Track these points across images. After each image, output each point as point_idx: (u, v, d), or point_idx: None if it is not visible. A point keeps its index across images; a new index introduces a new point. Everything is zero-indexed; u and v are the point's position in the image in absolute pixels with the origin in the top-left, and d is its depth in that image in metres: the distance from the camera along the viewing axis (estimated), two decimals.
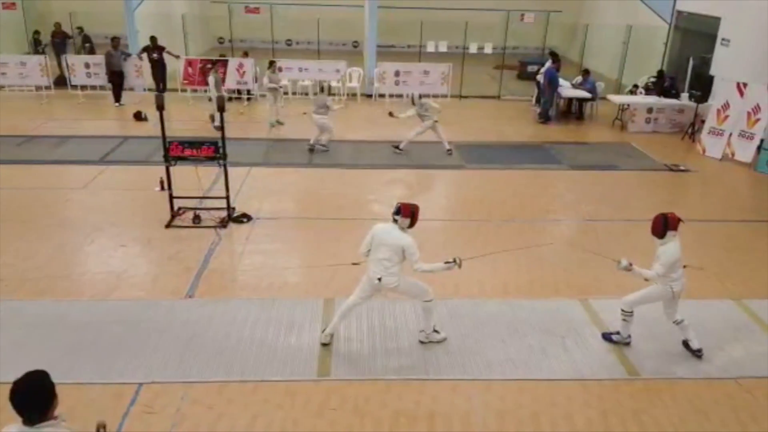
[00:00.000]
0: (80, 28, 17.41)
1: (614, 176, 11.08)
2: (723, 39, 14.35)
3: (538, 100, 15.46)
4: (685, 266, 5.82)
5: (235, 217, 8.68)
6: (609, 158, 12.05)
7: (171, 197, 8.64)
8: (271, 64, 13.78)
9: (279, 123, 13.73)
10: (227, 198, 8.65)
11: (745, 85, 11.99)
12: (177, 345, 5.90)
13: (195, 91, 15.80)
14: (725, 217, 9.39)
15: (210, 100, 13.69)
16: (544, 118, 14.55)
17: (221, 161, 8.40)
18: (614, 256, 5.91)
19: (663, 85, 14.73)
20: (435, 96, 16.10)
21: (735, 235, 8.74)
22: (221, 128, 8.39)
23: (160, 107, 8.26)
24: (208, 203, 8.85)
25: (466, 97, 17.09)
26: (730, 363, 5.89)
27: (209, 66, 15.02)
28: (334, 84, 16.43)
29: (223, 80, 15.37)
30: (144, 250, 7.89)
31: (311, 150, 11.96)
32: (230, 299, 6.75)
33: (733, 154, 12.07)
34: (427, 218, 9.06)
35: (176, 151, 8.35)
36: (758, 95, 11.71)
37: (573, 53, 23.56)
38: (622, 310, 5.95)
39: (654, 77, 15.38)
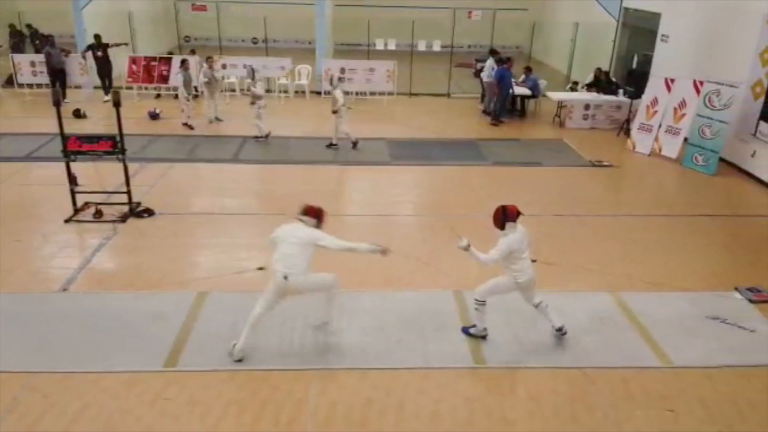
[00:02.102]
0: (29, 26, 17.42)
1: (535, 172, 11.11)
2: (662, 35, 14.41)
3: (483, 98, 15.50)
4: (534, 260, 5.87)
5: (136, 212, 8.72)
6: (536, 155, 12.08)
7: (72, 192, 8.69)
8: (207, 59, 13.80)
9: (218, 120, 13.75)
10: (128, 193, 8.70)
11: (672, 80, 12.02)
12: (36, 337, 5.93)
13: (141, 88, 15.83)
14: (631, 212, 9.40)
15: (176, 98, 14.27)
16: (496, 119, 14.27)
17: (120, 156, 8.45)
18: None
19: (604, 81, 14.77)
20: (381, 93, 16.24)
21: (634, 229, 8.75)
22: (118, 122, 8.41)
23: (57, 103, 8.33)
24: (117, 198, 8.87)
25: (416, 94, 17.14)
26: (582, 353, 5.92)
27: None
28: (283, 81, 16.48)
29: (167, 78, 15.47)
30: (37, 244, 7.91)
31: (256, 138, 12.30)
32: (104, 292, 6.78)
33: (660, 150, 12.10)
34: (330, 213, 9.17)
35: (74, 146, 8.41)
36: (684, 90, 11.74)
37: (536, 52, 23.66)
38: (475, 300, 5.97)
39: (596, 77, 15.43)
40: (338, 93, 11.55)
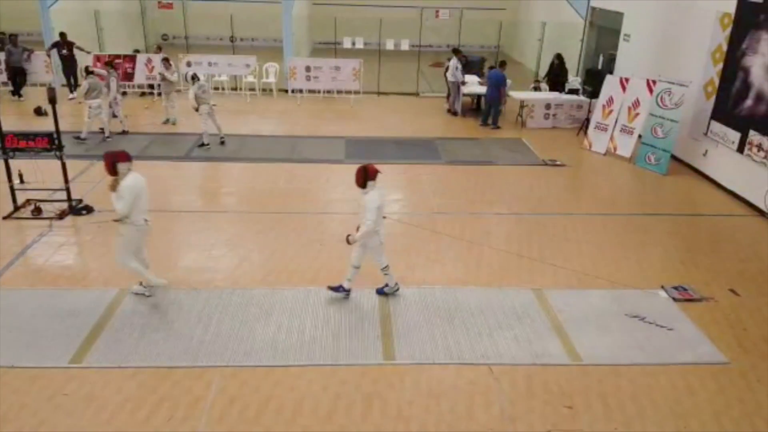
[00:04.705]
0: None
1: (486, 171, 11.10)
2: (625, 35, 14.45)
3: (448, 97, 15.51)
4: (384, 217, 6.40)
5: (76, 210, 8.71)
6: (491, 154, 12.08)
7: (12, 189, 8.70)
8: (164, 60, 13.73)
9: (170, 122, 13.54)
10: (67, 190, 8.70)
11: (627, 79, 12.05)
12: None
13: (106, 86, 15.76)
14: (572, 211, 9.41)
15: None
16: (495, 124, 13.96)
17: (57, 153, 8.45)
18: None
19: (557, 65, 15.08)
20: (347, 92, 16.23)
21: (572, 228, 8.75)
22: (55, 119, 8.42)
23: None
24: (61, 195, 8.85)
25: (384, 93, 17.14)
26: (493, 350, 5.94)
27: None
28: (251, 79, 16.43)
29: (133, 76, 15.47)
30: None
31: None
32: (26, 289, 6.77)
33: (615, 149, 12.12)
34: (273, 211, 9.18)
35: (11, 143, 8.40)
36: (638, 90, 11.77)
37: (513, 51, 23.69)
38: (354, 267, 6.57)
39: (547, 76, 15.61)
40: (191, 91, 11.44)
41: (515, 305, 6.70)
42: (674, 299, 6.97)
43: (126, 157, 6.20)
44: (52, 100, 8.28)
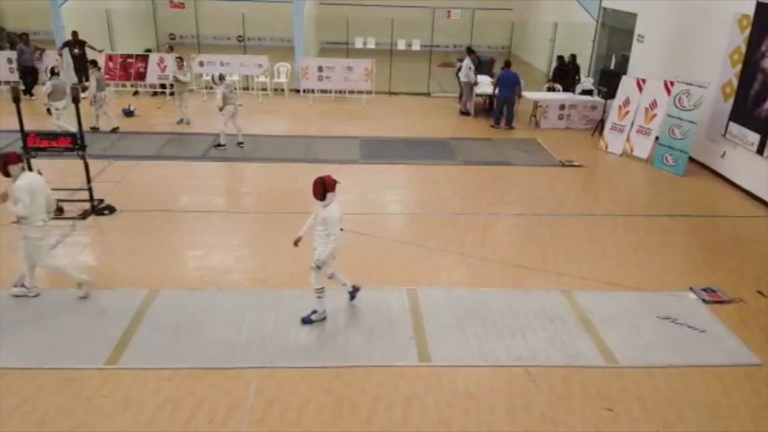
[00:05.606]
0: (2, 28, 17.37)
1: (503, 172, 11.09)
2: (639, 35, 14.45)
3: (460, 97, 15.49)
4: (341, 229, 6.15)
5: (98, 210, 8.68)
6: (506, 154, 12.06)
7: None
8: (177, 59, 13.71)
9: (184, 122, 13.48)
10: (89, 190, 8.66)
11: (644, 80, 12.04)
12: None
13: (118, 85, 15.78)
14: (593, 212, 9.40)
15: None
16: (508, 124, 13.93)
17: (80, 153, 8.42)
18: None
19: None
20: (359, 92, 16.20)
21: (594, 229, 8.74)
22: (78, 119, 8.39)
23: (16, 99, 8.26)
24: (82, 195, 8.81)
25: (396, 93, 17.12)
26: (528, 351, 5.92)
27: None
28: (263, 79, 16.39)
29: (145, 75, 15.45)
30: None
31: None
32: (54, 290, 6.74)
33: (632, 150, 12.12)
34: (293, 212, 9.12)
35: (34, 143, 8.37)
36: (655, 91, 11.76)
37: (521, 51, 23.69)
38: (315, 289, 6.11)
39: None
40: (219, 91, 11.38)
41: (545, 306, 6.68)
42: (704, 301, 6.96)
43: (17, 159, 6.22)
44: (76, 100, 8.25)
